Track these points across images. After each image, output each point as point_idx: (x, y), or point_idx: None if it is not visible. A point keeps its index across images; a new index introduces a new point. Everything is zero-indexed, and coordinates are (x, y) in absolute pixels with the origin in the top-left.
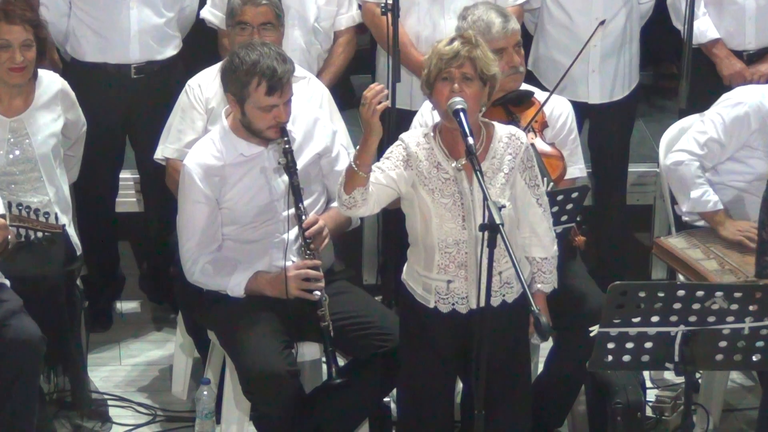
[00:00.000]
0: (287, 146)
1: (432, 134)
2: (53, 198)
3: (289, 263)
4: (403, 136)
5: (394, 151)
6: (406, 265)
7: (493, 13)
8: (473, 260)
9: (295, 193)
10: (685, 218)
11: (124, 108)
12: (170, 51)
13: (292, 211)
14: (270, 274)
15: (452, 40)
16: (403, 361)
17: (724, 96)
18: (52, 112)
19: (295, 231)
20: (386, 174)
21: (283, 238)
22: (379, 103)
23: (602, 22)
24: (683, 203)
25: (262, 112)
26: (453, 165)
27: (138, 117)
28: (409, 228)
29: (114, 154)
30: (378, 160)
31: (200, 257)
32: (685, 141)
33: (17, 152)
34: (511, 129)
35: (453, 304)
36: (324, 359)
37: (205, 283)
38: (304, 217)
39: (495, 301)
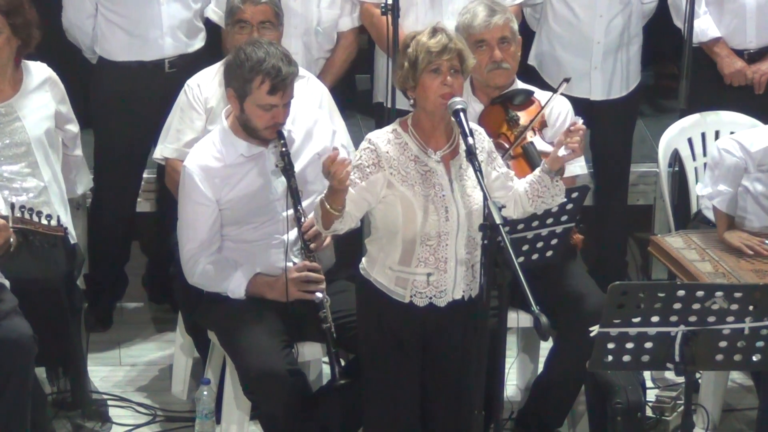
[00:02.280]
0: (284, 149)
1: (400, 128)
2: (49, 183)
3: (290, 264)
4: (371, 136)
5: (363, 156)
6: (366, 261)
7: (481, 6)
8: (453, 252)
9: (294, 195)
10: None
11: (157, 104)
12: (198, 43)
13: (291, 212)
14: (270, 276)
15: (434, 33)
16: (369, 359)
17: None
18: (42, 96)
19: (295, 232)
20: (359, 186)
21: (283, 239)
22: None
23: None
24: (707, 187)
25: (262, 110)
26: (433, 157)
27: (167, 112)
28: (381, 224)
29: (142, 154)
30: None
31: (200, 259)
32: (747, 135)
33: (10, 137)
34: (473, 124)
35: (431, 298)
36: (325, 359)
37: (205, 285)
38: (303, 219)
39: (465, 295)
